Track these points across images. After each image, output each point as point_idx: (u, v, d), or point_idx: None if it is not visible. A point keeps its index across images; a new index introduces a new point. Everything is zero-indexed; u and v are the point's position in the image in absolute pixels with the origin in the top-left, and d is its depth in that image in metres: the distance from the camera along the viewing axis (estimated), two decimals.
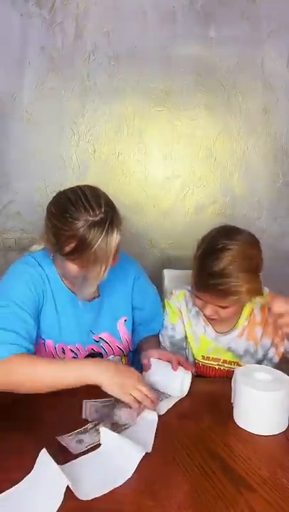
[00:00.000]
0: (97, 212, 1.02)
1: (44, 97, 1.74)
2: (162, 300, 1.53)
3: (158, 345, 1.31)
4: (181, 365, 1.12)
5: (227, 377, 1.24)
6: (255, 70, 1.74)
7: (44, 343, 1.18)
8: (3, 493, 0.79)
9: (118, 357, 1.24)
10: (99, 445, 0.91)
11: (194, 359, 1.32)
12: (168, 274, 1.63)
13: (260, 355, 1.25)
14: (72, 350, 1.20)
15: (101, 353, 1.24)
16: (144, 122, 1.77)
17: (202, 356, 1.30)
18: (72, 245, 1.02)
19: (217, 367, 1.29)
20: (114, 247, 1.05)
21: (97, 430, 0.94)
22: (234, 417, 1.02)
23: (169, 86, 1.74)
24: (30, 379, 0.98)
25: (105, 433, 0.91)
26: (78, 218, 1.01)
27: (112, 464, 0.86)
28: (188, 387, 1.11)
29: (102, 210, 1.03)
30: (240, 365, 1.25)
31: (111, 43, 1.71)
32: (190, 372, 1.12)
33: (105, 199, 1.07)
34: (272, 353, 1.26)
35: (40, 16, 1.69)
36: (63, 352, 1.19)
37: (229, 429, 1.00)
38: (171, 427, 1.01)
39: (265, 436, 0.97)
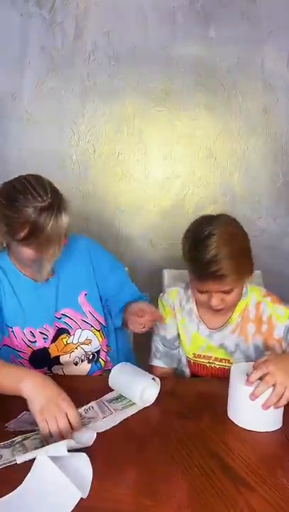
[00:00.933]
0: (45, 198, 1.09)
1: (44, 97, 1.74)
2: None
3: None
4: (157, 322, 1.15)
5: (217, 375, 1.26)
6: (255, 70, 1.74)
7: (12, 331, 1.24)
8: (3, 498, 0.79)
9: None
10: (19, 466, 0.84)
11: (187, 358, 1.31)
12: (168, 274, 1.63)
13: (250, 352, 1.24)
14: (41, 332, 1.26)
15: (66, 329, 1.28)
16: (144, 122, 1.77)
17: (193, 354, 1.30)
18: (26, 231, 1.08)
19: (208, 365, 1.29)
20: (64, 227, 1.13)
21: (24, 445, 0.90)
22: (228, 414, 1.03)
23: (169, 86, 1.74)
24: None
25: (42, 462, 0.82)
26: (28, 206, 1.08)
27: (43, 503, 0.78)
28: (150, 397, 1.08)
29: (49, 196, 1.10)
30: (230, 363, 1.24)
31: (111, 43, 1.71)
32: (157, 382, 1.08)
33: (50, 185, 1.14)
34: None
35: (40, 15, 1.69)
36: (33, 335, 1.25)
37: (228, 429, 1.00)
38: (171, 426, 1.01)
39: (259, 432, 0.97)
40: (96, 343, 1.32)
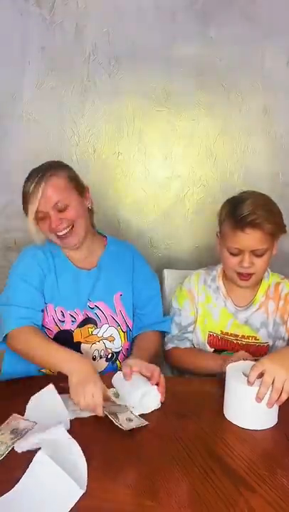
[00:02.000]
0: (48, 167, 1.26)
1: (44, 96, 1.74)
2: (162, 299, 1.54)
3: (147, 353, 1.28)
4: (156, 383, 1.10)
5: (245, 350, 1.32)
6: (255, 70, 1.74)
7: (46, 307, 1.31)
8: (3, 496, 0.79)
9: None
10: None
11: (214, 334, 1.39)
12: (168, 274, 1.64)
13: (270, 327, 1.35)
14: (71, 315, 1.31)
15: (95, 320, 1.33)
16: (144, 122, 1.77)
17: (221, 331, 1.38)
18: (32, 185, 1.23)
19: (235, 341, 1.37)
20: (51, 186, 1.23)
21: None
22: (225, 414, 1.03)
23: (169, 86, 1.74)
24: (26, 355, 1.20)
25: (39, 460, 0.83)
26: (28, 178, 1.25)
27: (44, 500, 0.79)
28: (151, 404, 1.06)
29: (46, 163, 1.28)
30: (257, 339, 1.35)
31: (111, 43, 1.71)
32: (156, 389, 1.08)
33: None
34: (283, 331, 1.35)
35: (40, 15, 1.69)
36: (63, 315, 1.31)
37: (229, 429, 1.00)
38: (171, 427, 1.01)
39: (257, 431, 0.98)
40: (118, 342, 1.35)
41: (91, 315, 1.33)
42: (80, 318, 1.32)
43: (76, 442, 0.89)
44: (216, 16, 1.70)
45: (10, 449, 0.91)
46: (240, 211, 1.22)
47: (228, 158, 1.80)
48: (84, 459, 0.87)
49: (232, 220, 1.24)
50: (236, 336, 1.36)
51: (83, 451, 0.88)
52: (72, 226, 1.27)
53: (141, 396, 1.05)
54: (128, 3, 1.69)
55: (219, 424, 1.02)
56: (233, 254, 1.27)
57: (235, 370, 1.05)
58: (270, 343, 1.35)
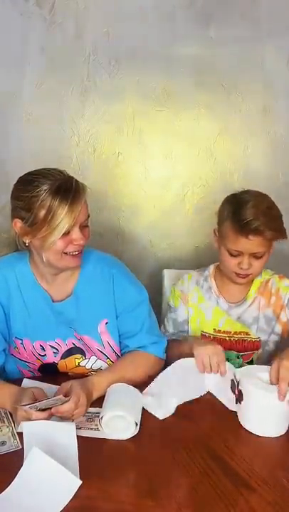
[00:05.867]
0: (61, 175, 1.13)
1: (44, 97, 1.73)
2: (162, 301, 1.54)
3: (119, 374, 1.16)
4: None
5: (237, 348, 1.36)
6: (255, 70, 1.74)
7: (22, 343, 1.21)
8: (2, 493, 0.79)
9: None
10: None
11: (206, 334, 1.40)
12: (168, 274, 1.63)
13: (261, 322, 1.37)
14: (52, 346, 1.22)
15: (82, 350, 1.23)
16: (144, 122, 1.77)
17: (214, 329, 1.39)
18: (53, 189, 1.09)
19: (228, 339, 1.38)
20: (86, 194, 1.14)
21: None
22: (240, 420, 1.02)
23: (169, 86, 1.74)
24: None
25: (35, 454, 0.84)
26: (44, 182, 1.09)
27: (42, 495, 0.80)
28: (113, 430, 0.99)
29: (66, 174, 1.14)
30: (248, 335, 1.37)
31: (111, 43, 1.71)
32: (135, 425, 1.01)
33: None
34: (278, 326, 1.38)
35: (40, 15, 1.68)
36: (42, 349, 1.21)
37: (229, 429, 1.00)
38: (171, 427, 1.01)
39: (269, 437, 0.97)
40: None
41: (78, 344, 1.23)
42: (64, 348, 1.22)
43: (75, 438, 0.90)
44: (216, 16, 1.69)
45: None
46: (243, 216, 1.23)
47: (228, 158, 1.80)
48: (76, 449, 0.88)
49: (235, 224, 1.24)
50: (229, 332, 1.38)
51: (83, 451, 0.88)
52: (82, 248, 1.16)
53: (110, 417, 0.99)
54: (128, 3, 1.69)
55: (219, 424, 1.02)
56: (232, 256, 1.29)
57: (249, 376, 1.04)
58: (263, 337, 1.37)
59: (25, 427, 0.94)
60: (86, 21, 1.70)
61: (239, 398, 1.03)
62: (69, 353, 1.23)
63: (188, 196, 1.83)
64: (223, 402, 1.10)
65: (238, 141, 1.79)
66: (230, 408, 1.07)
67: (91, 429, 1.01)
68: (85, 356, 1.24)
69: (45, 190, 1.07)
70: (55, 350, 1.22)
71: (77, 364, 1.24)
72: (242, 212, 1.24)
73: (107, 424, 0.99)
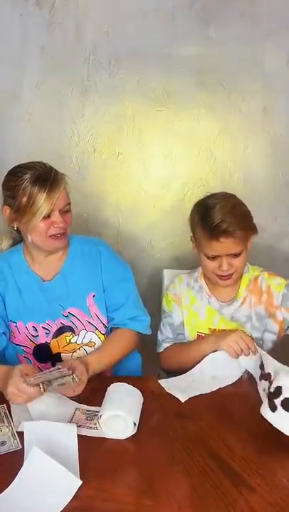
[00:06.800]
0: (44, 167, 1.25)
1: (44, 97, 1.74)
2: (162, 301, 1.54)
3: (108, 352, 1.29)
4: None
5: None
6: (255, 70, 1.74)
7: (16, 326, 1.30)
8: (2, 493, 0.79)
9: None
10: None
11: (203, 335, 1.41)
12: (168, 274, 1.63)
13: (254, 320, 1.38)
14: (44, 328, 1.31)
15: (71, 327, 1.32)
16: (144, 122, 1.77)
17: (209, 329, 1.39)
18: (33, 177, 1.23)
19: None
20: (65, 184, 1.25)
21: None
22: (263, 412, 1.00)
23: (169, 86, 1.74)
24: None
25: (35, 454, 0.84)
26: (27, 172, 1.23)
27: (42, 495, 0.80)
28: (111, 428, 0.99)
29: (48, 166, 1.26)
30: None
31: (111, 43, 1.71)
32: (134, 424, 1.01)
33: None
34: (271, 323, 1.37)
35: (40, 15, 1.69)
36: (35, 330, 1.30)
37: (229, 429, 1.00)
38: (171, 427, 1.01)
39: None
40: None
41: (66, 323, 1.31)
42: (54, 328, 1.31)
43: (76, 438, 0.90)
44: (216, 15, 1.69)
45: None
46: (210, 220, 1.24)
47: (228, 158, 1.80)
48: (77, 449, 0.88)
49: (205, 229, 1.26)
50: (224, 331, 1.36)
51: (83, 451, 0.88)
52: (65, 230, 1.27)
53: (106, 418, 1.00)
54: (128, 3, 1.69)
55: (219, 424, 1.01)
56: (210, 259, 1.30)
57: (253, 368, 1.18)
58: (255, 335, 1.37)
59: (25, 426, 0.95)
60: (86, 21, 1.70)
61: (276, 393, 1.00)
62: (59, 331, 1.31)
63: (188, 196, 1.83)
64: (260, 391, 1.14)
65: (238, 141, 1.79)
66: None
67: (90, 428, 1.01)
68: (74, 333, 1.32)
69: (26, 179, 1.21)
70: (46, 331, 1.31)
71: (68, 341, 1.32)
72: (209, 216, 1.25)
73: (106, 423, 0.99)
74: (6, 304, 1.30)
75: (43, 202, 1.20)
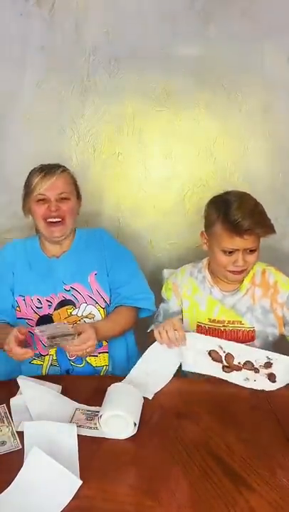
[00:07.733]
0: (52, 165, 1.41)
1: (44, 97, 1.74)
2: (161, 299, 1.53)
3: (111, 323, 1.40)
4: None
5: (230, 338, 1.37)
6: (255, 70, 1.73)
7: (24, 299, 1.41)
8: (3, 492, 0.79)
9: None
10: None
11: (202, 325, 1.44)
12: (168, 274, 1.63)
13: (258, 313, 1.39)
14: (47, 300, 1.41)
15: (72, 301, 1.41)
16: (144, 122, 1.77)
17: (208, 319, 1.42)
18: (39, 177, 1.38)
19: (222, 328, 1.41)
20: (72, 179, 1.43)
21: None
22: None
23: (169, 86, 1.74)
24: None
25: (37, 455, 0.84)
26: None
27: (42, 495, 0.80)
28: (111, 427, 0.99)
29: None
30: (242, 324, 1.39)
31: (111, 43, 1.71)
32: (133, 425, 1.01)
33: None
34: (272, 318, 1.39)
35: (40, 15, 1.69)
36: (40, 302, 1.41)
37: (229, 429, 1.00)
38: (171, 427, 1.01)
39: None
40: (99, 318, 1.42)
41: (68, 297, 1.41)
42: (56, 301, 1.41)
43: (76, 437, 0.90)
44: (216, 15, 1.69)
45: None
46: (233, 217, 1.27)
47: (228, 158, 1.80)
48: (76, 449, 0.89)
49: (227, 225, 1.28)
50: (223, 321, 1.41)
51: (83, 451, 0.88)
52: (63, 219, 1.38)
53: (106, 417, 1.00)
54: (128, 3, 1.69)
55: (219, 424, 1.01)
56: (226, 254, 1.32)
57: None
58: (257, 328, 1.38)
59: (25, 426, 0.95)
60: (86, 21, 1.70)
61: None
62: (61, 304, 1.41)
63: (188, 196, 1.83)
64: (211, 374, 1.18)
65: (238, 141, 1.79)
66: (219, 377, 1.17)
67: (90, 427, 1.01)
68: (75, 306, 1.41)
69: (33, 170, 1.40)
70: (49, 303, 1.41)
71: (69, 314, 1.40)
72: (231, 213, 1.27)
73: (106, 423, 0.99)
74: (16, 280, 1.42)
75: (35, 183, 1.35)
